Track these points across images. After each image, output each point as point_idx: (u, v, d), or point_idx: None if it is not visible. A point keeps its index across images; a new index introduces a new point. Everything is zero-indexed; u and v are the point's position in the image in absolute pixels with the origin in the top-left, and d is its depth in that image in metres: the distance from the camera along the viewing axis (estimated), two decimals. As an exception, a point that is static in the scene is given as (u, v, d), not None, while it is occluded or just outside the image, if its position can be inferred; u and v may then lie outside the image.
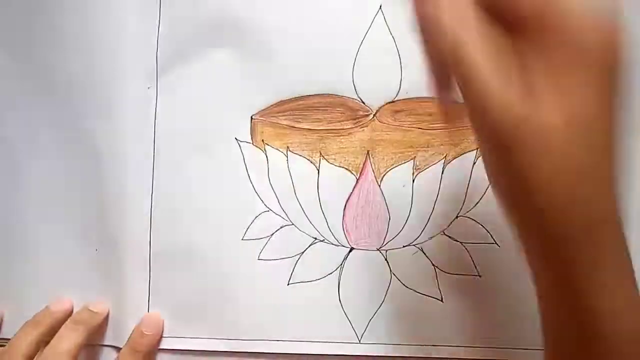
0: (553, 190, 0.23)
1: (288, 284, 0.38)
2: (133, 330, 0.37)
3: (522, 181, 0.23)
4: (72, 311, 0.38)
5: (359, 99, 0.38)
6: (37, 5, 0.39)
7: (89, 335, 0.37)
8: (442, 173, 0.38)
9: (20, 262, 0.39)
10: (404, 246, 0.38)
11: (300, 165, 0.38)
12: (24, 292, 0.39)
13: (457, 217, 0.38)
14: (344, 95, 0.38)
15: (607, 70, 0.23)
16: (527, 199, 0.23)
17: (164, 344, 0.38)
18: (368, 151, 0.38)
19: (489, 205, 0.37)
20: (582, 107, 0.23)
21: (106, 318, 0.38)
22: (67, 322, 0.37)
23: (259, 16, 0.38)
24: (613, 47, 0.23)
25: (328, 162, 0.38)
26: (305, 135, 0.38)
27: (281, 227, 0.38)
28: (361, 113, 0.38)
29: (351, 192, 0.38)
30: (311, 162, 0.38)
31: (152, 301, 0.38)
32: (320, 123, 0.38)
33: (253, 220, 0.38)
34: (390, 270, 0.38)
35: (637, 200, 0.36)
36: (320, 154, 0.38)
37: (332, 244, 0.38)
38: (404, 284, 0.38)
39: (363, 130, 0.38)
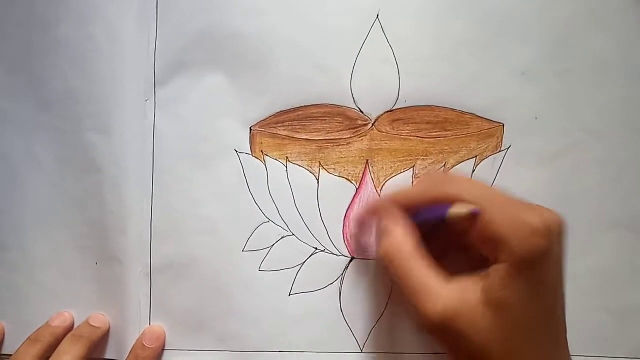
0: None
1: (289, 295, 0.38)
2: (135, 344, 0.37)
3: None
4: (73, 326, 0.38)
5: (357, 109, 0.38)
6: (35, 18, 0.39)
7: (90, 350, 0.37)
8: (442, 181, 0.38)
9: (21, 277, 0.39)
10: (404, 255, 0.38)
11: (300, 176, 0.38)
12: (24, 307, 0.39)
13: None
14: (343, 105, 0.38)
15: (527, 262, 0.28)
16: None
17: (166, 357, 0.38)
18: (367, 160, 0.38)
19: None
20: (502, 293, 0.28)
21: (107, 332, 0.38)
22: (67, 337, 0.37)
23: (256, 27, 0.38)
24: (529, 244, 0.28)
25: (328, 172, 0.38)
26: (304, 145, 0.38)
27: (282, 238, 0.38)
28: (360, 122, 0.38)
29: (351, 202, 0.38)
30: (311, 172, 0.38)
31: (153, 314, 0.38)
32: (319, 133, 0.38)
33: (253, 232, 0.38)
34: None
35: None
36: (320, 164, 0.38)
37: (333, 254, 0.38)
38: (405, 293, 0.38)
39: (362, 139, 0.38)
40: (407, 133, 0.38)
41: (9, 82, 0.39)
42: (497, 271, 0.28)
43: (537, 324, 0.28)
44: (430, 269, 0.30)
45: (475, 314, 0.28)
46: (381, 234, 0.33)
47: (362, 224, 0.37)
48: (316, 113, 0.38)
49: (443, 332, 0.29)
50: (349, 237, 0.38)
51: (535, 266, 0.28)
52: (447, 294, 0.29)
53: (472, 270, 0.30)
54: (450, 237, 0.33)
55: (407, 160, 0.38)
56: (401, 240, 0.31)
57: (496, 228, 0.28)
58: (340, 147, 0.38)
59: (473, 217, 0.29)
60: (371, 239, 0.37)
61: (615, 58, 0.37)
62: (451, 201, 0.30)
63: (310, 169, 0.38)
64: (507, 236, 0.28)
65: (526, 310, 0.28)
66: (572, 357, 0.30)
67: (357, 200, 0.38)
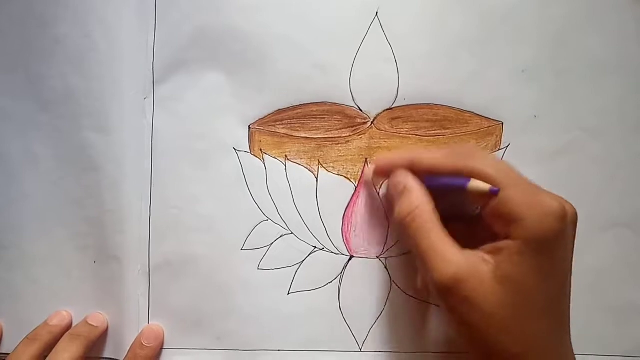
0: (486, 341, 0.29)
1: (288, 293, 0.38)
2: (133, 342, 0.37)
3: (465, 330, 0.30)
4: (71, 324, 0.38)
5: (356, 107, 0.38)
6: (33, 17, 0.39)
7: (88, 348, 0.37)
8: (441, 180, 0.38)
9: (19, 275, 0.39)
10: (403, 254, 0.38)
11: (299, 174, 0.38)
12: (22, 305, 0.39)
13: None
14: (342, 103, 0.38)
15: (540, 242, 0.28)
16: (468, 343, 0.30)
17: (164, 356, 0.38)
18: (366, 159, 0.38)
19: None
20: (513, 270, 0.29)
21: (105, 331, 0.38)
22: (65, 335, 0.37)
23: (255, 25, 0.38)
24: (545, 224, 0.28)
25: (326, 170, 0.38)
26: (303, 143, 0.38)
27: (280, 236, 0.38)
28: (359, 121, 0.38)
29: (350, 200, 0.38)
30: (310, 170, 0.38)
31: (152, 313, 0.38)
32: (318, 131, 0.38)
33: (252, 230, 0.38)
34: (390, 278, 0.38)
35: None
36: (319, 162, 0.38)
37: (332, 252, 0.38)
38: (404, 292, 0.38)
39: (361, 137, 0.38)
40: (406, 131, 0.38)
41: (7, 80, 0.39)
42: (509, 247, 0.29)
43: (543, 304, 0.29)
44: (446, 234, 0.31)
45: (484, 285, 0.29)
46: (400, 192, 0.33)
47: (380, 172, 0.36)
48: (315, 111, 0.38)
49: (451, 294, 0.29)
50: (348, 238, 0.38)
51: (548, 247, 0.28)
52: (460, 259, 0.29)
53: (477, 244, 0.31)
54: (460, 209, 0.34)
55: (406, 158, 0.38)
56: (423, 200, 0.32)
57: (514, 205, 0.29)
58: (339, 145, 0.38)
59: (491, 194, 0.30)
60: (369, 238, 0.38)
61: (613, 56, 0.37)
62: (473, 175, 0.30)
63: (309, 167, 0.38)
64: (524, 214, 0.28)
65: (533, 289, 0.29)
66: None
67: (355, 199, 0.38)
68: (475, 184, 0.30)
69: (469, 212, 0.35)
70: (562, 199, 0.30)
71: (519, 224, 0.29)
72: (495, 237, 0.30)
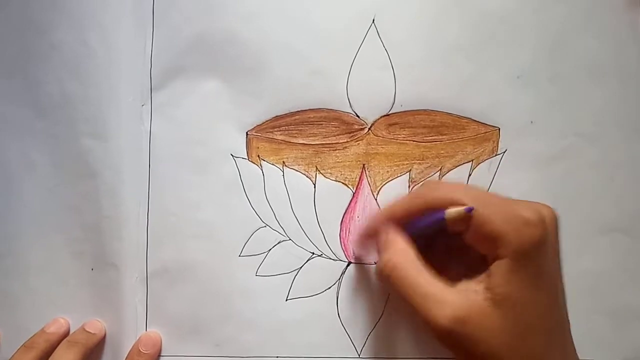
0: None
1: (287, 300, 0.38)
2: (131, 349, 0.37)
3: None
4: (68, 332, 0.38)
5: (353, 113, 0.38)
6: (30, 23, 0.39)
7: (85, 356, 0.36)
8: (438, 185, 0.38)
9: (16, 282, 0.39)
10: (401, 259, 0.38)
11: (297, 180, 0.38)
12: (19, 313, 0.39)
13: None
14: (339, 109, 0.38)
15: (524, 254, 0.28)
16: None
17: (162, 363, 0.38)
18: (364, 165, 0.38)
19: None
20: (507, 289, 0.29)
21: (103, 338, 0.38)
22: (63, 343, 0.37)
23: (252, 32, 0.38)
24: (525, 235, 0.29)
25: (324, 176, 0.38)
26: (300, 150, 0.38)
27: (278, 243, 0.38)
28: (356, 127, 0.38)
29: (348, 206, 0.38)
30: (307, 176, 0.38)
31: (149, 320, 0.38)
32: (316, 137, 0.38)
33: (250, 236, 0.38)
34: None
35: None
36: (317, 168, 0.38)
37: (330, 258, 0.38)
38: (402, 297, 0.38)
39: (358, 144, 0.38)
40: (404, 137, 0.38)
41: (4, 86, 0.39)
42: (499, 267, 0.29)
43: (543, 314, 0.29)
44: (433, 276, 0.30)
45: (483, 314, 0.29)
46: (382, 248, 0.33)
47: (364, 246, 0.37)
48: (312, 117, 0.38)
49: (453, 338, 0.29)
50: (346, 244, 0.38)
51: (533, 256, 0.29)
52: (453, 298, 0.29)
53: (472, 274, 0.30)
54: (446, 246, 0.33)
55: (403, 164, 0.38)
56: (403, 250, 0.32)
57: (491, 224, 0.29)
58: (337, 151, 0.38)
59: (468, 215, 0.30)
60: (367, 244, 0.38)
61: (609, 61, 0.38)
62: (445, 205, 0.31)
63: (306, 173, 0.38)
64: (503, 230, 0.29)
65: (531, 302, 0.29)
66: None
67: (353, 205, 0.38)
68: (451, 211, 0.30)
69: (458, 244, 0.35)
70: (538, 204, 0.30)
71: (500, 241, 0.29)
72: (486, 260, 0.30)
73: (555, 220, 0.30)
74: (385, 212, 0.34)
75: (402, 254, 0.32)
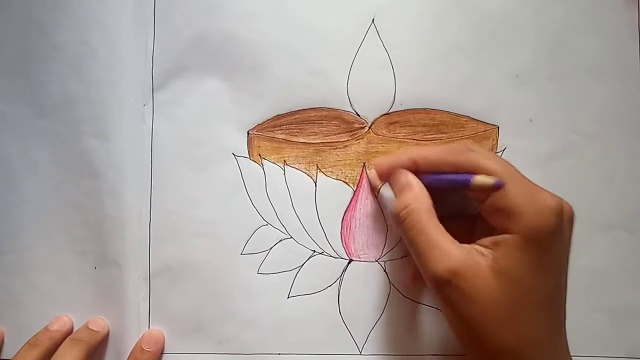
0: (482, 335, 0.29)
1: (288, 297, 0.38)
2: (134, 347, 0.37)
3: (461, 324, 0.30)
4: (72, 330, 0.38)
5: (354, 112, 0.38)
6: (33, 23, 0.39)
7: (88, 353, 0.37)
8: (438, 183, 0.38)
9: (19, 280, 0.39)
10: (402, 257, 0.38)
11: (298, 179, 0.38)
12: (22, 311, 0.39)
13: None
14: (339, 108, 0.38)
15: (537, 236, 0.29)
16: (464, 338, 0.30)
17: (165, 361, 0.38)
18: (364, 163, 0.38)
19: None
20: (510, 264, 0.29)
21: (106, 336, 0.38)
22: (66, 340, 0.37)
23: (253, 32, 0.38)
24: (542, 219, 0.29)
25: (325, 175, 0.38)
26: (301, 148, 0.38)
27: (280, 241, 0.38)
28: (356, 125, 0.38)
29: (349, 204, 0.38)
30: (308, 175, 0.38)
31: (152, 318, 0.38)
32: (317, 136, 0.38)
33: (252, 235, 0.38)
34: (390, 281, 0.38)
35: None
36: (317, 167, 0.38)
37: (331, 256, 0.38)
38: (403, 295, 0.38)
39: (359, 142, 0.38)
40: (404, 136, 0.38)
41: (7, 86, 0.40)
42: (507, 241, 0.29)
43: (539, 298, 0.29)
44: (443, 229, 0.31)
45: (481, 278, 0.29)
46: (400, 188, 0.33)
47: (381, 174, 0.36)
48: (313, 116, 0.38)
49: (448, 287, 0.29)
50: (347, 241, 0.38)
51: (545, 241, 0.29)
52: (457, 253, 0.29)
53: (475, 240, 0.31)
54: (458, 208, 0.34)
55: (403, 162, 0.38)
56: (421, 196, 0.32)
57: (513, 199, 0.29)
58: (338, 150, 0.38)
59: (496, 188, 0.30)
60: (368, 241, 0.38)
61: (608, 60, 0.38)
62: (476, 170, 0.31)
63: (307, 172, 0.38)
64: (522, 208, 0.29)
65: (530, 284, 0.29)
66: (568, 356, 0.31)
67: (354, 203, 0.38)
68: (481, 179, 0.30)
69: (468, 212, 0.35)
70: (560, 198, 0.30)
71: (517, 217, 0.29)
72: (492, 235, 0.30)
73: (572, 217, 0.31)
74: (414, 156, 0.34)
75: (419, 200, 0.32)
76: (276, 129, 0.38)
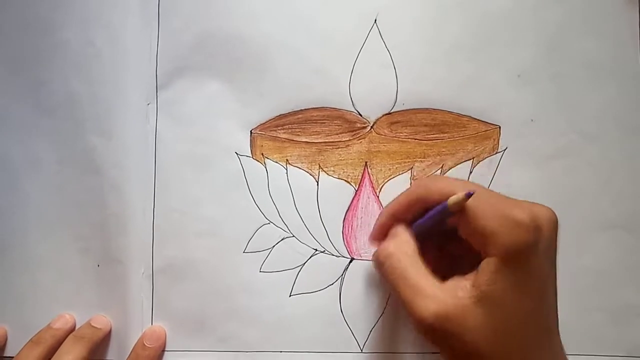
0: None
1: (290, 296, 0.38)
2: (135, 343, 0.38)
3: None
4: (74, 327, 0.38)
5: (356, 112, 0.38)
6: (38, 22, 0.39)
7: (91, 350, 0.37)
8: (440, 183, 0.38)
9: (22, 278, 0.39)
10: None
11: (300, 178, 0.38)
12: (26, 309, 0.39)
13: (455, 226, 0.38)
14: (342, 108, 0.38)
15: (513, 255, 0.28)
16: None
17: (167, 358, 0.38)
18: (366, 162, 0.38)
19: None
20: (491, 288, 0.28)
21: (109, 333, 0.38)
22: (69, 337, 0.37)
23: (257, 31, 0.38)
24: (515, 236, 0.28)
25: (327, 174, 0.38)
26: (304, 148, 0.39)
27: (282, 239, 0.38)
28: (358, 125, 0.38)
29: (350, 203, 0.38)
30: (310, 174, 0.39)
31: (155, 315, 0.38)
32: (319, 136, 0.38)
33: (254, 233, 0.38)
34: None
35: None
36: (319, 166, 0.38)
37: (333, 255, 0.38)
38: (404, 293, 0.38)
39: (361, 142, 0.38)
40: (405, 135, 0.38)
41: (11, 84, 0.40)
42: (487, 264, 0.29)
43: (526, 316, 0.29)
44: (426, 271, 0.31)
45: (466, 312, 0.28)
46: (388, 238, 0.34)
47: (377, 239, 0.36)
48: (315, 116, 0.38)
49: (435, 334, 0.29)
50: (349, 240, 0.38)
51: (522, 259, 0.28)
52: (440, 294, 0.29)
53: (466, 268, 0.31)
54: (448, 249, 0.34)
55: (405, 162, 0.38)
56: (403, 241, 0.32)
57: (483, 220, 0.29)
58: (340, 149, 0.38)
59: (468, 197, 0.30)
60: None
61: (608, 60, 0.38)
62: (446, 198, 0.31)
63: (310, 171, 0.39)
64: (495, 229, 0.29)
65: (514, 303, 0.28)
66: (568, 356, 0.31)
67: (356, 202, 0.38)
68: (454, 197, 0.30)
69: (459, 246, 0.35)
70: (534, 205, 0.30)
71: (491, 239, 0.29)
72: (474, 254, 0.30)
73: (553, 223, 0.30)
74: (389, 208, 0.34)
75: (400, 244, 0.32)
76: (279, 128, 0.39)
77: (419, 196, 0.33)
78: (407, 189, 0.34)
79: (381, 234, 0.35)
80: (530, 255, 0.29)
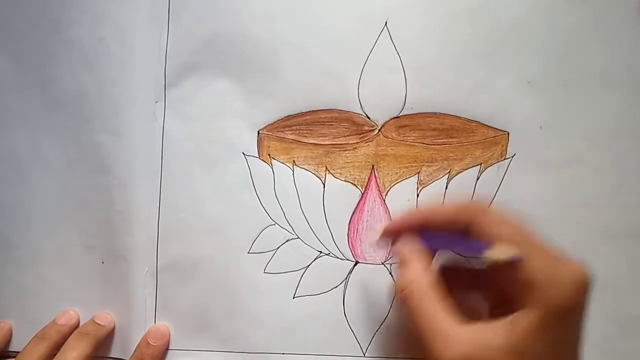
0: None
1: (294, 297, 0.38)
2: (140, 342, 0.38)
3: None
4: (78, 324, 0.39)
5: (364, 114, 0.38)
6: (48, 19, 0.39)
7: (95, 347, 0.37)
8: (446, 188, 0.38)
9: (28, 274, 0.40)
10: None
11: (306, 179, 0.38)
12: (31, 305, 0.39)
13: (461, 231, 0.38)
14: (350, 110, 0.38)
15: (561, 312, 0.27)
16: None
17: (170, 357, 0.38)
18: (373, 166, 0.38)
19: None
20: (530, 345, 0.27)
21: (112, 330, 0.38)
22: (73, 334, 0.37)
23: (266, 32, 0.38)
24: (567, 293, 0.27)
25: (334, 176, 0.38)
26: (311, 149, 0.38)
27: (287, 241, 0.38)
28: (366, 128, 0.38)
29: (356, 206, 0.38)
30: (317, 176, 0.38)
31: (158, 314, 0.39)
32: (326, 138, 0.38)
33: (259, 234, 0.38)
34: (395, 284, 0.38)
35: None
36: (326, 168, 0.38)
37: (338, 257, 0.38)
38: (408, 298, 0.38)
39: (368, 145, 0.38)
40: (413, 139, 0.38)
41: (20, 81, 0.40)
42: (525, 318, 0.27)
43: None
44: (447, 310, 0.29)
45: None
46: (401, 262, 0.32)
47: (389, 235, 0.35)
48: (323, 118, 0.38)
49: None
50: (354, 243, 0.38)
51: (567, 319, 0.27)
52: (464, 338, 0.28)
53: (488, 308, 0.30)
54: (471, 274, 0.33)
55: (412, 166, 0.38)
56: (421, 274, 0.30)
57: (532, 272, 0.28)
58: (347, 152, 0.38)
59: (512, 263, 0.28)
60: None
61: (619, 69, 0.38)
62: (487, 237, 0.29)
63: (316, 172, 0.38)
64: (543, 283, 0.27)
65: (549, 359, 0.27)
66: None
67: (361, 205, 0.38)
68: (495, 252, 0.28)
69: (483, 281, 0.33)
70: (581, 264, 0.28)
71: (537, 292, 0.27)
72: (509, 304, 0.29)
73: (591, 284, 0.28)
74: (427, 213, 0.32)
75: (418, 279, 0.30)
76: (286, 129, 0.39)
77: (459, 226, 0.30)
78: (452, 209, 0.32)
79: (399, 232, 0.33)
80: (574, 317, 0.27)
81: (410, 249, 0.32)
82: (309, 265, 0.38)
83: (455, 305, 0.29)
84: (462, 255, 0.31)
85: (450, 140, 0.38)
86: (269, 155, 0.39)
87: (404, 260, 0.32)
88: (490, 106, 0.38)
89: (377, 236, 0.35)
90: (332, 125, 0.38)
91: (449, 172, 0.38)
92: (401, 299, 0.30)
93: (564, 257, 0.28)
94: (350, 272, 0.38)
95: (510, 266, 0.28)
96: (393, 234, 0.34)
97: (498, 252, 0.28)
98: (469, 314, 0.29)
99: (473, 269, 0.34)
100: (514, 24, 0.38)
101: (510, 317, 0.28)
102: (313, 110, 0.38)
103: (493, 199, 0.38)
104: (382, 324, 0.38)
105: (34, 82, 0.40)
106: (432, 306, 0.29)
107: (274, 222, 0.38)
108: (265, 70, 0.38)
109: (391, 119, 0.38)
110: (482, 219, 0.30)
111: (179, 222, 0.39)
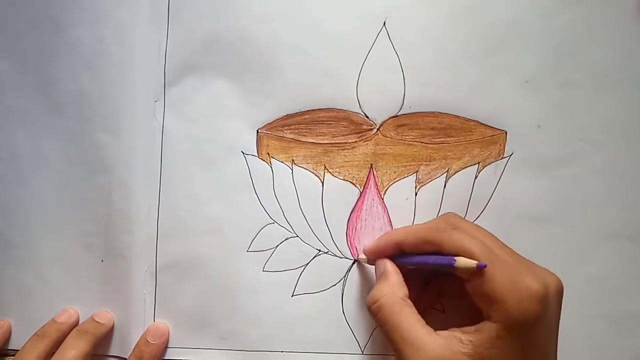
0: None
1: (292, 296, 0.38)
2: (139, 339, 0.38)
3: None
4: (78, 322, 0.39)
5: (362, 114, 0.38)
6: (48, 20, 0.40)
7: (94, 345, 0.37)
8: (444, 187, 0.38)
9: (27, 273, 0.40)
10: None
11: (305, 178, 0.39)
12: (30, 303, 0.40)
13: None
14: (348, 109, 0.38)
15: (520, 325, 0.28)
16: None
17: (169, 355, 0.39)
18: (372, 164, 0.38)
19: (490, 219, 0.37)
20: (490, 353, 0.28)
21: (112, 328, 0.38)
22: (73, 332, 0.38)
23: (265, 32, 0.38)
24: (525, 307, 0.28)
25: (332, 175, 0.39)
26: (310, 148, 0.39)
27: (286, 239, 0.39)
28: (365, 127, 0.38)
29: (355, 205, 0.38)
30: (316, 175, 0.39)
31: (157, 312, 0.39)
32: (325, 137, 0.39)
33: (258, 232, 0.39)
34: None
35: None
36: (325, 167, 0.39)
37: (336, 255, 0.38)
38: (406, 296, 0.38)
39: (367, 144, 0.38)
40: (411, 138, 0.38)
41: (20, 81, 0.40)
42: (489, 329, 0.28)
43: None
44: (418, 320, 0.31)
45: None
46: (378, 277, 0.34)
47: (369, 258, 0.37)
48: (322, 117, 0.38)
49: None
50: (353, 242, 0.38)
51: (527, 330, 0.28)
52: (433, 345, 0.29)
53: (465, 317, 0.30)
54: (444, 284, 0.35)
55: (410, 165, 0.38)
56: (393, 288, 0.32)
57: (494, 285, 0.29)
58: (345, 151, 0.39)
59: (479, 269, 0.29)
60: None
61: (616, 68, 0.38)
62: (456, 251, 0.30)
63: (315, 171, 0.39)
64: (504, 296, 0.28)
65: None
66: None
67: (360, 204, 0.38)
68: (462, 262, 0.30)
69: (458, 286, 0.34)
70: (546, 273, 0.30)
71: (498, 305, 0.28)
72: (480, 314, 0.30)
73: (560, 292, 0.30)
74: (399, 236, 0.34)
75: (391, 293, 0.32)
76: (285, 128, 0.39)
77: (431, 240, 0.32)
78: (425, 226, 0.34)
79: (379, 253, 0.35)
80: (535, 328, 0.28)
81: (385, 265, 0.34)
82: (307, 264, 0.38)
83: (426, 316, 0.31)
84: (435, 269, 0.32)
85: (448, 139, 0.38)
86: (268, 154, 0.39)
87: (378, 276, 0.34)
88: (488, 105, 0.38)
89: (361, 256, 0.38)
90: (330, 124, 0.39)
91: (447, 170, 0.38)
92: (373, 311, 0.32)
93: (530, 269, 0.29)
94: (349, 270, 0.38)
95: (476, 278, 0.29)
96: (372, 255, 0.36)
97: (465, 262, 0.30)
98: (461, 319, 0.31)
99: (443, 283, 0.36)
100: (512, 24, 0.38)
101: (476, 326, 0.29)
102: (312, 110, 0.38)
103: (490, 197, 0.38)
104: (380, 322, 0.38)
105: (34, 82, 0.40)
106: (405, 317, 0.31)
107: (273, 221, 0.39)
108: (265, 69, 0.39)
109: (390, 118, 0.38)
110: (450, 236, 0.31)
111: (179, 221, 0.39)
